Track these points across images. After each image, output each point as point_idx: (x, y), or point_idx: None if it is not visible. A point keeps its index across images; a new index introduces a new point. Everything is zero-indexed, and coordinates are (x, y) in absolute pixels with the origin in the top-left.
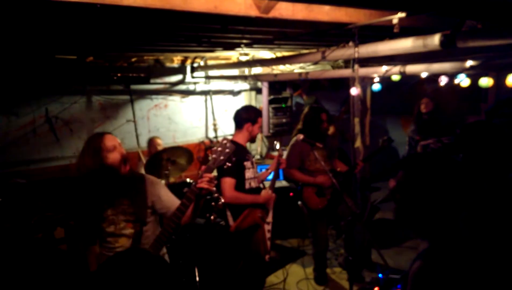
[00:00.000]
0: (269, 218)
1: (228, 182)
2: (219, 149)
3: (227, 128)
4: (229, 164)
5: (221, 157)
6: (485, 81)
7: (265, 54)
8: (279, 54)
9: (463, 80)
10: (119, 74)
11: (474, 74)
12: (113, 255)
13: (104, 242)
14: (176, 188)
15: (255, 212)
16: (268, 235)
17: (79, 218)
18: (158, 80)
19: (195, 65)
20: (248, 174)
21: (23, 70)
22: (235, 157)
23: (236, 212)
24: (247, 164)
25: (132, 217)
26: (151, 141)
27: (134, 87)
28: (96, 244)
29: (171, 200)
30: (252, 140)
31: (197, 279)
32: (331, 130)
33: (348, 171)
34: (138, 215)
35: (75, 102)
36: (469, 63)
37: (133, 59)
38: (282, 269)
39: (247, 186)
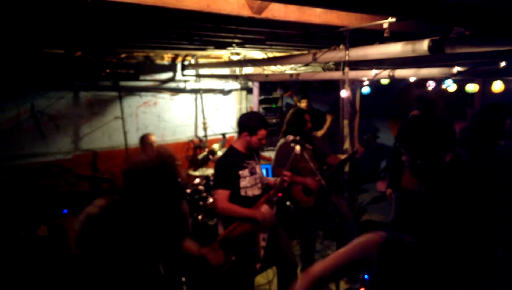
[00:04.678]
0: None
1: (218, 194)
2: None
3: (216, 127)
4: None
5: None
6: (472, 87)
7: (257, 54)
8: (270, 55)
9: (450, 86)
10: (107, 70)
11: (461, 80)
12: None
13: None
14: None
15: (245, 225)
16: (262, 243)
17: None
18: (148, 77)
19: (186, 63)
20: (244, 183)
21: (9, 63)
22: (228, 167)
23: (227, 222)
24: (243, 172)
25: None
26: (145, 138)
27: (123, 83)
28: None
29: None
30: (251, 149)
31: (183, 279)
32: (328, 121)
33: (348, 157)
34: None
35: (62, 98)
36: (457, 69)
37: (123, 55)
38: (270, 269)
39: (242, 193)
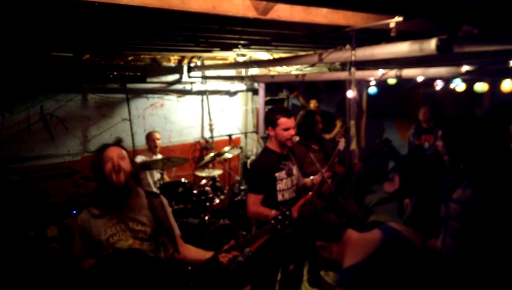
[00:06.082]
0: None
1: (250, 198)
2: None
3: (223, 129)
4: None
5: None
6: (480, 86)
7: (262, 55)
8: (276, 56)
9: (458, 85)
10: (115, 73)
11: (470, 79)
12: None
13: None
14: (170, 188)
15: None
16: None
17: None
18: (155, 79)
19: (192, 64)
20: (281, 185)
21: (19, 67)
22: (264, 169)
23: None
24: (280, 175)
25: (141, 235)
26: (150, 135)
27: (130, 85)
28: (91, 257)
29: (174, 226)
30: (284, 145)
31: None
32: (337, 127)
33: (346, 171)
34: (149, 233)
35: (71, 100)
36: (465, 68)
37: (130, 58)
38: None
39: (279, 198)
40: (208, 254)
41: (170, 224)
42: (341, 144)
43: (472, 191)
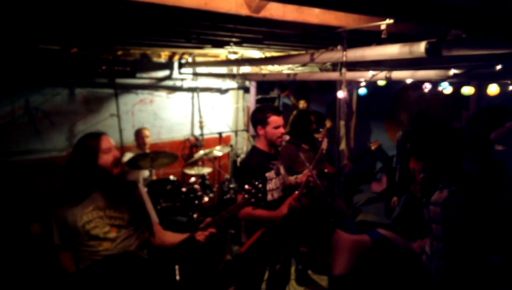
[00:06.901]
0: None
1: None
2: None
3: (213, 126)
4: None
5: None
6: (467, 90)
7: (254, 53)
8: (268, 54)
9: (446, 88)
10: (104, 67)
11: (457, 83)
12: (105, 258)
13: (84, 246)
14: (158, 185)
15: (269, 230)
16: None
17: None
18: (144, 75)
19: (183, 61)
20: (270, 185)
21: (4, 59)
22: (255, 170)
23: (250, 229)
24: (270, 174)
25: (118, 222)
26: (139, 132)
27: (119, 81)
28: (67, 250)
29: (152, 214)
30: (272, 144)
31: (178, 278)
32: (326, 128)
33: (336, 172)
34: (127, 220)
35: (57, 94)
36: (453, 71)
37: (119, 52)
38: None
39: (269, 198)
40: (185, 235)
41: (147, 212)
42: (324, 144)
43: (448, 192)
